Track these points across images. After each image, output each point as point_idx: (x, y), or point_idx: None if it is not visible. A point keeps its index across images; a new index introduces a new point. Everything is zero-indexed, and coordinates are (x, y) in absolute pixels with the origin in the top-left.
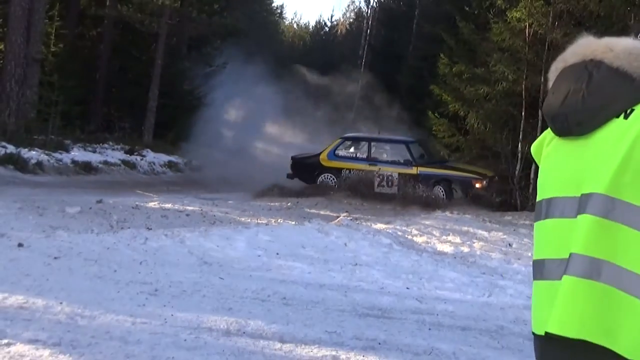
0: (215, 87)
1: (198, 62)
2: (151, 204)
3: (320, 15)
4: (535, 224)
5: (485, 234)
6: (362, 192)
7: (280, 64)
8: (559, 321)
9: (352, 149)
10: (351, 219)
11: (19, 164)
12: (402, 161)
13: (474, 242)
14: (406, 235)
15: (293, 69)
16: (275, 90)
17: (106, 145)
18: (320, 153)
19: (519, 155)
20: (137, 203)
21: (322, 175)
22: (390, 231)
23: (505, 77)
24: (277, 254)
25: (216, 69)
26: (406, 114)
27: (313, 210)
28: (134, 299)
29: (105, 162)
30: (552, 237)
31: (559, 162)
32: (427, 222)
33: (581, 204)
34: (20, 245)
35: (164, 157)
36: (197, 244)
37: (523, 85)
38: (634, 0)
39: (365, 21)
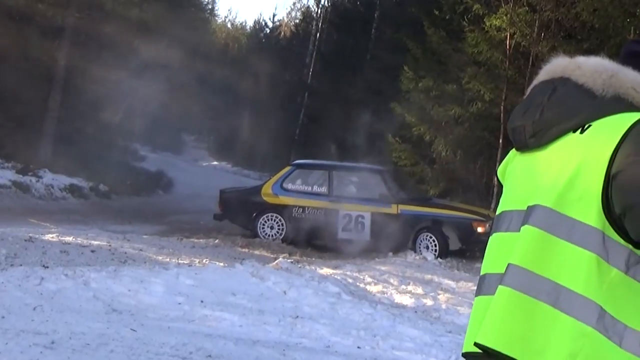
0: (130, 94)
1: (110, 65)
2: (48, 237)
3: (260, 15)
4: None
5: (452, 284)
6: (319, 238)
7: (209, 70)
8: (487, 332)
9: (306, 181)
10: (292, 262)
11: None
12: (376, 197)
13: (438, 294)
14: (358, 283)
15: (225, 77)
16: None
17: None
18: (262, 186)
19: (495, 189)
20: (30, 235)
21: (264, 217)
22: (338, 277)
23: (480, 96)
24: (202, 301)
25: (132, 73)
26: (361, 137)
27: (246, 250)
28: (25, 353)
29: None
30: (494, 251)
31: (515, 178)
32: (383, 268)
33: (525, 216)
34: None
35: (64, 179)
36: (104, 286)
37: (502, 107)
38: (634, 11)
39: (314, 23)
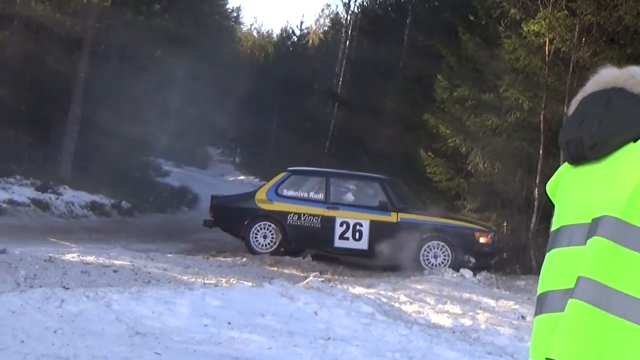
0: (153, 107)
1: (132, 77)
2: (69, 256)
3: (287, 22)
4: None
5: (492, 302)
6: (315, 246)
7: (235, 81)
8: (560, 347)
9: (302, 187)
10: (323, 281)
11: None
12: (375, 205)
13: (477, 313)
14: (392, 303)
15: (251, 87)
16: (228, 113)
17: (12, 180)
18: (256, 191)
19: (536, 203)
20: (50, 255)
21: (257, 225)
22: (372, 297)
23: (519, 105)
24: (229, 323)
25: (155, 85)
26: (394, 149)
27: (275, 268)
28: None
29: (11, 202)
30: (557, 267)
31: (572, 191)
32: (419, 287)
33: (591, 229)
34: None
35: (85, 196)
36: (127, 308)
37: (541, 116)
38: None
39: (343, 30)
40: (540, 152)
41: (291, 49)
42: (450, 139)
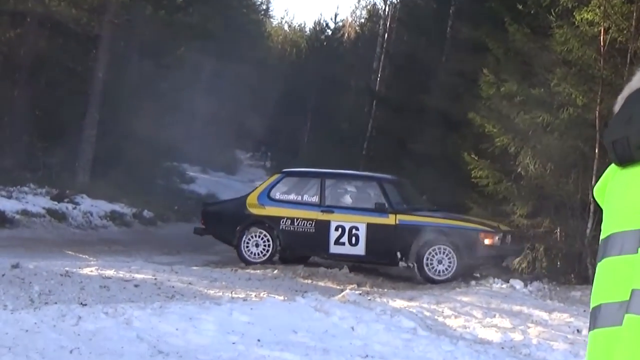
0: (176, 108)
1: (153, 76)
2: (87, 270)
3: (321, 15)
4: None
5: (545, 315)
6: (310, 253)
7: (265, 78)
8: None
9: (296, 190)
10: (361, 293)
11: None
12: (372, 207)
13: (529, 327)
14: (436, 317)
15: (283, 86)
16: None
17: (26, 189)
18: (247, 196)
19: (592, 207)
20: (67, 269)
21: (248, 232)
22: (414, 310)
23: (572, 100)
24: (259, 340)
25: (178, 85)
26: (438, 150)
27: (309, 281)
28: None
29: (25, 212)
30: (610, 277)
31: (620, 195)
32: (465, 299)
33: None
34: None
35: (104, 206)
36: (148, 326)
37: (597, 112)
38: None
39: (381, 22)
40: (596, 151)
41: (325, 43)
42: (498, 138)
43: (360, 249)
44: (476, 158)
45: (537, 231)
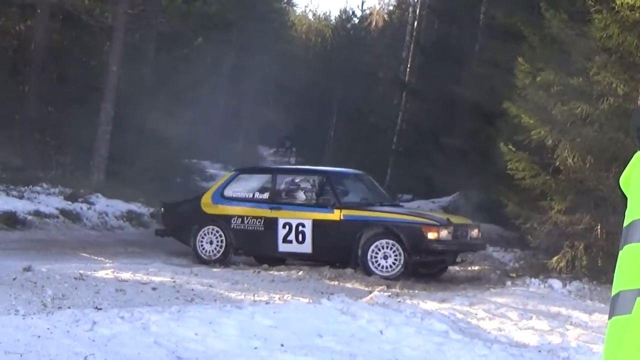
0: (195, 103)
1: (171, 69)
2: (102, 273)
3: (347, 2)
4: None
5: (585, 317)
6: (260, 252)
7: (289, 70)
8: (626, 354)
9: (248, 187)
10: (390, 295)
11: None
12: (319, 202)
13: (567, 329)
14: (469, 319)
15: (307, 77)
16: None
17: (38, 188)
18: (203, 194)
19: None
20: (81, 272)
21: (204, 229)
22: (446, 313)
23: (612, 89)
24: (282, 345)
25: (196, 78)
26: (471, 144)
27: (335, 282)
28: None
29: (37, 213)
30: (630, 265)
31: None
32: (500, 300)
33: None
34: None
35: (120, 206)
36: (167, 330)
37: (638, 102)
38: None
39: (410, 9)
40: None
41: (351, 32)
42: (534, 130)
43: (307, 247)
44: (513, 149)
45: (577, 228)
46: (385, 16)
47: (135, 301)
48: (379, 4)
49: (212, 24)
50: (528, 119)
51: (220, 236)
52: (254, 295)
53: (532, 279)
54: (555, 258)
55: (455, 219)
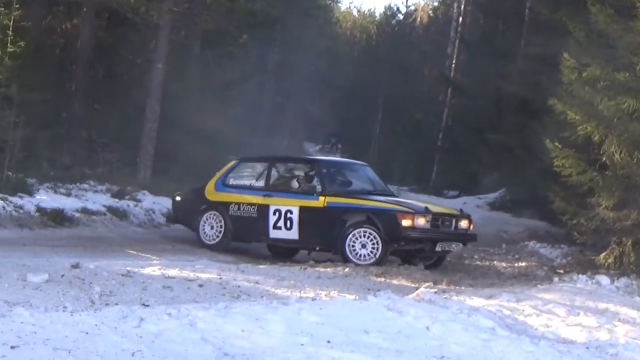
0: (240, 100)
1: (216, 66)
2: (149, 270)
3: None
4: None
5: (633, 313)
6: (253, 238)
7: (334, 66)
8: None
9: (246, 176)
10: (436, 292)
11: None
12: (304, 189)
13: (615, 326)
14: (516, 315)
15: (353, 74)
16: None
17: (86, 186)
18: (207, 183)
19: None
20: (129, 268)
21: (206, 215)
22: (492, 309)
23: None
24: (329, 342)
25: (242, 75)
26: (517, 140)
27: (382, 279)
28: None
29: (85, 210)
30: None
31: None
32: (547, 296)
33: None
34: None
35: (167, 202)
36: (213, 327)
37: None
38: None
39: (455, 5)
40: None
41: (396, 28)
42: (581, 126)
43: (294, 233)
44: (559, 146)
45: (624, 224)
46: (430, 12)
47: (182, 298)
48: (424, 0)
49: (257, 21)
50: (574, 115)
51: (220, 222)
52: (300, 291)
53: (580, 275)
54: (602, 254)
55: (436, 208)
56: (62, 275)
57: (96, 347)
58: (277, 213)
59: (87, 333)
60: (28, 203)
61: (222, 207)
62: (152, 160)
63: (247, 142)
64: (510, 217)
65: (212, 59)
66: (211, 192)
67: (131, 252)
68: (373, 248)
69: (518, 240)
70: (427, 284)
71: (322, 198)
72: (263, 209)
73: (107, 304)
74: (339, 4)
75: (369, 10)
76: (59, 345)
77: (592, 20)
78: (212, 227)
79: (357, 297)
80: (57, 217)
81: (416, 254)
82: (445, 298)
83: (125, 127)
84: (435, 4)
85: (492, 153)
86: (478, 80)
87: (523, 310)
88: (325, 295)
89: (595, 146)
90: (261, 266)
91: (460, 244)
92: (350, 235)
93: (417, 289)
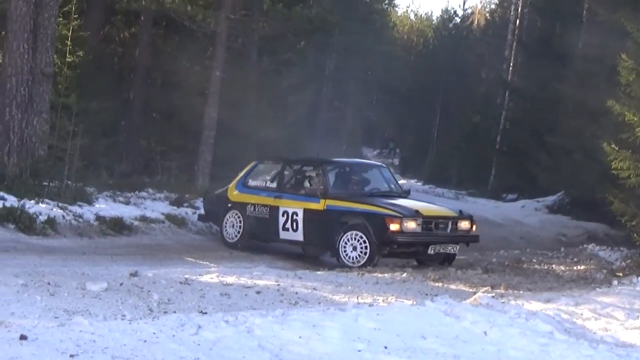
0: (297, 105)
1: (273, 72)
2: (207, 277)
3: (448, 2)
4: None
5: None
6: (266, 238)
7: (391, 71)
8: None
9: (263, 177)
10: (494, 296)
11: (23, 221)
12: (308, 192)
13: None
14: (574, 319)
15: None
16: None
17: (144, 194)
18: (231, 183)
19: None
20: (187, 276)
21: (228, 214)
22: (550, 313)
23: None
24: (386, 347)
25: (298, 80)
26: (576, 142)
27: (439, 284)
28: None
29: (143, 218)
30: None
31: None
32: (606, 300)
33: None
34: (23, 337)
35: None
36: (271, 334)
37: None
38: None
39: (512, 8)
40: None
41: (453, 32)
42: (639, 127)
43: (299, 235)
44: (616, 148)
45: None
46: (487, 15)
47: (239, 305)
48: (481, 2)
49: (314, 27)
50: (632, 117)
51: (240, 221)
52: (357, 297)
53: (639, 278)
54: None
55: (428, 211)
56: (121, 284)
57: (154, 355)
58: (286, 215)
59: (145, 341)
60: (87, 212)
61: (241, 207)
62: (209, 168)
63: (304, 147)
64: (569, 220)
65: (270, 66)
66: (233, 193)
67: (189, 259)
68: (361, 251)
69: (577, 243)
70: (485, 288)
71: (322, 201)
72: (274, 210)
73: (165, 312)
74: (396, 9)
75: (425, 14)
76: (118, 353)
77: None
78: (232, 226)
79: (415, 303)
80: (116, 226)
81: (411, 256)
82: (503, 302)
83: (183, 134)
84: (492, 6)
85: (550, 156)
86: (536, 82)
87: (581, 314)
88: (383, 300)
89: None
90: (319, 272)
91: (457, 246)
92: (344, 238)
93: (474, 293)
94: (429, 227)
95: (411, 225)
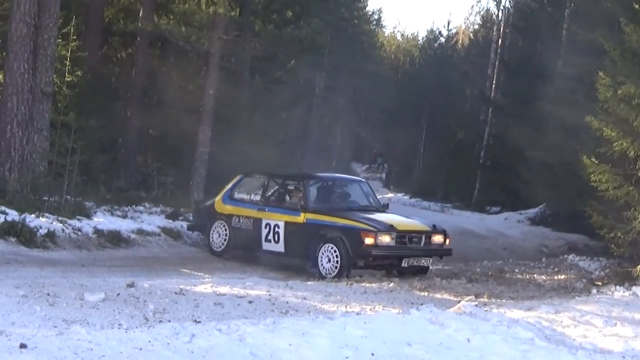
0: (290, 123)
1: (265, 91)
2: (201, 288)
3: (433, 23)
4: None
5: None
6: (250, 249)
7: (378, 89)
8: None
9: (248, 190)
10: (477, 305)
11: (23, 235)
12: (288, 205)
13: None
14: (554, 327)
15: (397, 96)
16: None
17: (141, 208)
18: (218, 195)
19: None
20: (181, 287)
21: (215, 225)
22: (531, 320)
23: None
24: (373, 354)
25: (290, 99)
26: (556, 157)
27: (425, 293)
28: None
29: (140, 231)
30: None
31: None
32: (585, 308)
33: None
34: (22, 346)
35: None
36: (262, 342)
37: None
38: None
39: (495, 28)
40: None
41: (438, 51)
42: (616, 142)
43: (281, 246)
44: (595, 162)
45: None
46: (471, 35)
47: (232, 314)
48: (464, 23)
49: (304, 47)
50: (610, 132)
51: (226, 231)
52: (346, 306)
53: (617, 287)
54: (639, 266)
55: (402, 226)
56: (118, 294)
57: None
58: (268, 227)
59: (140, 349)
60: (86, 225)
61: (226, 218)
62: (204, 183)
63: (295, 163)
64: (550, 232)
65: (261, 84)
66: (220, 205)
67: (184, 270)
68: (333, 264)
69: (558, 253)
70: (469, 297)
71: (302, 214)
72: (257, 223)
73: (160, 321)
74: (384, 29)
75: (412, 34)
76: None
77: (626, 40)
78: (219, 236)
79: (401, 311)
80: (114, 239)
81: (386, 268)
82: (486, 311)
83: (178, 151)
84: (476, 27)
85: (532, 170)
86: (517, 99)
87: (561, 322)
88: (370, 309)
89: (631, 161)
90: (309, 282)
91: (430, 259)
92: (321, 250)
93: (458, 302)
94: (402, 241)
95: (385, 239)
